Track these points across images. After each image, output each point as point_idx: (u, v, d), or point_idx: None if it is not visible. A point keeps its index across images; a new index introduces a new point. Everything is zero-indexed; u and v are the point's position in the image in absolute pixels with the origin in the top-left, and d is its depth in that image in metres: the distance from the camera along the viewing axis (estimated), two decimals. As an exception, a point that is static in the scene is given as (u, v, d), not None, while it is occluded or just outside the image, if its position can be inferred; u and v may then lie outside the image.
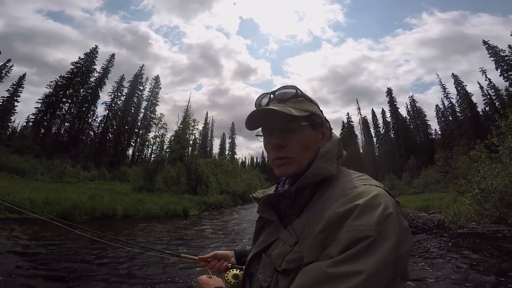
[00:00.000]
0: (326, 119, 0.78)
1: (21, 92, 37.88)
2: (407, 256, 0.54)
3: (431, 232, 8.82)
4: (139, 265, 4.96)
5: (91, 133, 43.05)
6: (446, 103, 49.88)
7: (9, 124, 37.68)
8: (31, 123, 38.11)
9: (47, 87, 39.11)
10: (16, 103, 37.42)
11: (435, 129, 53.36)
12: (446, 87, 50.31)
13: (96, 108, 43.50)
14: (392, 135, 57.51)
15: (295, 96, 0.74)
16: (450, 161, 24.27)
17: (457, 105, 47.78)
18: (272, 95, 0.77)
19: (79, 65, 41.48)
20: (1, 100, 36.20)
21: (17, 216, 8.11)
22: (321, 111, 0.78)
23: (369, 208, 0.54)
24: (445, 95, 50.07)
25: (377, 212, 0.53)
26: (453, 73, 48.55)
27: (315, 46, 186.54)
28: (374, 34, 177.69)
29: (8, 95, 36.77)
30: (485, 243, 6.78)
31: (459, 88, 47.31)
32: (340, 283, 0.48)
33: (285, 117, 0.69)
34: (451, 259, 5.61)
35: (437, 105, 52.47)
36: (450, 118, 48.61)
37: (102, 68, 44.55)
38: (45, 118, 38.27)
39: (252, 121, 0.76)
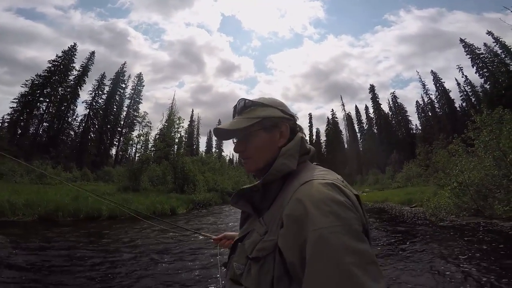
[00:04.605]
0: (288, 117, 0.84)
1: (-6, 92, 36.04)
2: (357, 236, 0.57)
3: (414, 225, 9.15)
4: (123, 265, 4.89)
5: (72, 133, 41.63)
6: (426, 99, 51.69)
7: (-18, 125, 35.84)
8: (6, 124, 36.33)
9: (22, 86, 37.34)
10: (-11, 103, 35.64)
11: (416, 124, 55.25)
12: (425, 83, 52.15)
13: (76, 107, 42.19)
14: (375, 130, 59.01)
15: (244, 107, 0.86)
16: (430, 155, 25.24)
17: (436, 101, 49.58)
18: (235, 109, 0.90)
19: (56, 63, 39.86)
20: None
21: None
22: (281, 110, 0.84)
23: (315, 211, 0.58)
24: (424, 91, 51.96)
25: (320, 213, 0.57)
26: (432, 70, 50.47)
27: (297, 43, 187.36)
28: (354, 30, 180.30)
29: None
30: (464, 235, 7.03)
31: (437, 85, 49.18)
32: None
33: (235, 131, 0.82)
34: (432, 251, 5.83)
35: (417, 101, 54.39)
36: (430, 114, 50.38)
37: (81, 66, 43.05)
38: (21, 118, 36.59)
39: (218, 136, 0.90)
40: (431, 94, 51.01)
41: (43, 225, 7.97)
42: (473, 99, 44.10)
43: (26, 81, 37.70)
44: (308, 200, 0.61)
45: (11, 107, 36.40)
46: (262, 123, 0.81)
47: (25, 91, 37.07)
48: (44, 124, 38.54)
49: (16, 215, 8.38)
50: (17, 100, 36.62)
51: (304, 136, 0.86)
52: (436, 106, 49.66)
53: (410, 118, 55.91)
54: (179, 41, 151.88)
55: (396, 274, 4.45)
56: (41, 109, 38.21)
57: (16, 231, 6.84)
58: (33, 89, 37.35)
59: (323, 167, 0.81)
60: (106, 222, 9.50)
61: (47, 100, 38.58)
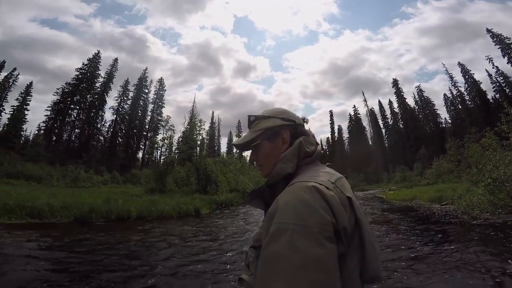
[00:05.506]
0: (289, 123, 0.92)
1: (30, 101, 38.60)
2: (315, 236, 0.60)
3: (444, 224, 8.73)
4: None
5: (101, 138, 43.91)
6: (455, 91, 49.01)
7: (22, 133, 38.57)
8: (42, 131, 38.96)
9: (54, 94, 40.03)
10: (26, 112, 38.12)
11: (445, 118, 52.49)
12: (452, 75, 49.44)
13: (104, 113, 44.53)
14: (401, 125, 56.81)
15: (251, 122, 0.98)
16: (462, 149, 23.89)
17: (466, 93, 46.93)
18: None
19: (83, 71, 42.21)
20: (12, 110, 36.98)
21: (37, 222, 8.41)
22: (282, 118, 0.93)
23: (282, 208, 0.66)
24: (452, 83, 49.27)
25: (285, 211, 0.65)
26: (459, 62, 47.87)
27: (312, 40, 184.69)
28: (371, 24, 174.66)
29: (18, 104, 37.44)
30: (501, 234, 6.61)
31: (466, 77, 46.60)
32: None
33: (246, 143, 0.95)
34: (464, 251, 5.53)
35: (445, 94, 51.69)
36: (460, 107, 47.72)
37: (106, 73, 45.27)
38: (55, 125, 39.14)
39: (238, 149, 1.09)
40: (460, 86, 48.35)
41: (79, 226, 8.48)
42: (507, 90, 41.24)
43: (57, 89, 40.42)
44: (282, 200, 0.69)
45: (45, 115, 39.16)
46: (265, 134, 0.92)
47: (57, 99, 39.62)
48: (76, 130, 40.96)
49: (55, 217, 8.96)
50: (50, 108, 39.26)
51: (305, 139, 0.90)
52: (467, 98, 46.95)
53: (438, 111, 53.29)
54: (196, 44, 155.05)
55: (430, 276, 4.23)
56: (72, 116, 40.66)
57: (55, 233, 7.32)
58: (64, 97, 39.80)
59: (331, 166, 0.92)
60: (135, 222, 9.92)
61: (77, 107, 40.99)
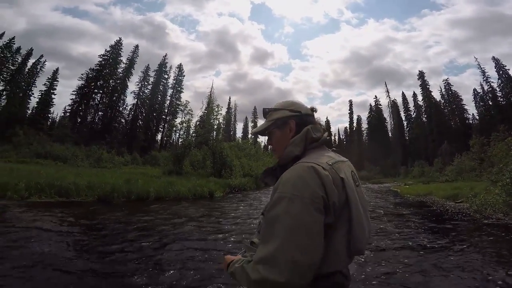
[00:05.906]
0: (295, 114, 1.07)
1: (56, 86, 41.56)
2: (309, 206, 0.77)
3: (455, 221, 8.57)
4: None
5: (123, 120, 45.58)
6: (486, 87, 46.10)
7: (49, 115, 41.80)
8: (68, 114, 41.23)
9: (79, 80, 42.26)
10: (53, 96, 41.18)
11: (473, 114, 49.78)
12: (485, 70, 46.30)
13: (126, 97, 46.29)
14: (424, 119, 54.59)
15: (266, 113, 1.15)
16: (486, 147, 22.81)
17: (498, 89, 44.04)
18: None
19: (106, 57, 43.78)
20: (40, 94, 40.12)
21: (65, 200, 9.08)
22: (290, 110, 1.08)
23: (284, 182, 0.83)
24: (484, 78, 46.19)
25: (286, 184, 0.82)
26: (493, 57, 44.74)
27: (333, 28, 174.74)
28: (397, 14, 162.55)
29: (45, 88, 40.49)
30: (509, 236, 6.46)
31: (501, 72, 43.44)
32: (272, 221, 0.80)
33: (262, 131, 1.13)
34: (472, 249, 5.46)
35: (475, 89, 48.71)
36: (490, 103, 45.01)
37: (127, 59, 46.61)
38: (80, 108, 41.31)
39: (258, 134, 1.25)
40: (492, 82, 45.37)
41: (102, 205, 9.01)
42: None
43: (82, 74, 42.52)
44: (285, 176, 0.86)
45: (71, 99, 41.57)
46: (276, 123, 1.08)
47: (82, 84, 41.78)
48: (99, 113, 42.96)
49: (80, 196, 9.60)
50: (75, 92, 41.49)
51: (313, 127, 1.04)
52: (499, 94, 44.13)
53: (466, 107, 50.58)
54: (214, 31, 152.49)
55: (434, 274, 4.18)
56: (96, 100, 42.73)
57: (82, 211, 7.89)
58: (88, 82, 41.80)
59: (335, 151, 1.09)
60: (153, 202, 10.35)
61: (101, 91, 42.87)
